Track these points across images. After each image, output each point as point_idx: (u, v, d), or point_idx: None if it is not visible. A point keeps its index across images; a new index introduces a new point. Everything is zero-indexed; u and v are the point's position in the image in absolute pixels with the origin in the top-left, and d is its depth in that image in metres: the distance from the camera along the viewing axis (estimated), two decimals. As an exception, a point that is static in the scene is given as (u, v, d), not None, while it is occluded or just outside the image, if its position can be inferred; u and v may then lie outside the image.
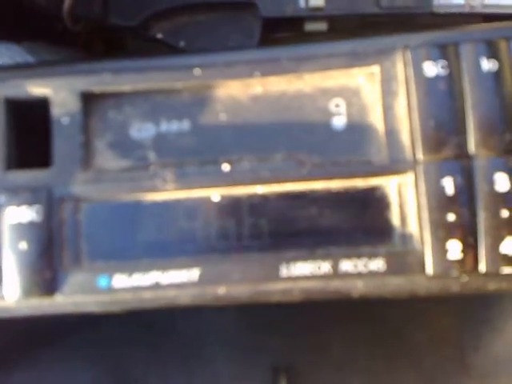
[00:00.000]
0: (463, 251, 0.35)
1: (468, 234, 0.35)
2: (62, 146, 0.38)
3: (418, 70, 0.36)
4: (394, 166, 0.37)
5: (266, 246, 0.37)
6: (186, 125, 0.38)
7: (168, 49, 0.49)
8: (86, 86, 0.38)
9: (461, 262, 0.35)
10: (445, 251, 0.35)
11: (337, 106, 0.38)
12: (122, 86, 0.38)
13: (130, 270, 0.37)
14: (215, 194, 0.38)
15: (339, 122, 0.38)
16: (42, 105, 0.38)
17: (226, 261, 0.37)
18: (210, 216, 0.38)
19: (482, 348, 0.56)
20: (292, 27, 0.49)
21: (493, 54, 0.36)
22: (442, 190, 0.36)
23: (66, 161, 0.38)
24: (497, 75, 0.36)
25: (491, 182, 0.35)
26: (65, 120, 0.38)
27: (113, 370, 0.59)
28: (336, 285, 0.37)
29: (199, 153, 0.38)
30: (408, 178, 0.36)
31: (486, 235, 0.35)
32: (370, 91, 0.38)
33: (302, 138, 0.38)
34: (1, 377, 0.55)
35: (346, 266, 0.36)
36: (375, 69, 0.37)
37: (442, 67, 0.36)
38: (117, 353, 0.59)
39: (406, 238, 0.36)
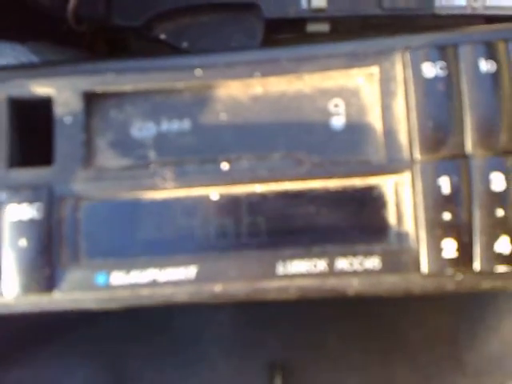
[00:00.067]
0: (458, 250, 0.35)
1: (463, 233, 0.35)
2: (63, 144, 0.38)
3: (417, 71, 0.37)
4: (392, 166, 0.37)
5: (263, 244, 0.38)
6: (186, 124, 0.39)
7: (171, 49, 0.50)
8: (89, 85, 0.39)
9: (456, 261, 0.36)
10: (440, 250, 0.36)
11: (336, 106, 0.38)
12: (124, 86, 0.39)
13: (128, 268, 0.38)
14: (214, 193, 0.38)
15: (338, 122, 0.38)
16: (45, 104, 0.39)
17: (223, 258, 0.38)
18: (208, 214, 0.38)
19: (477, 346, 0.57)
20: (294, 28, 0.50)
21: (491, 55, 0.36)
22: (438, 189, 0.36)
23: (67, 159, 0.38)
24: (495, 76, 0.36)
25: (487, 182, 0.35)
26: (67, 119, 0.38)
27: (110, 366, 0.59)
28: (332, 283, 0.37)
29: (199, 152, 0.38)
30: (405, 178, 0.37)
31: (481, 234, 0.35)
32: (368, 92, 0.38)
33: (301, 137, 0.38)
34: (-1, 374, 0.56)
35: (342, 264, 0.37)
36: (374, 69, 0.38)
37: (441, 68, 0.36)
38: (114, 349, 0.60)
39: (401, 236, 0.37)
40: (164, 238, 0.38)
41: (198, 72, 0.38)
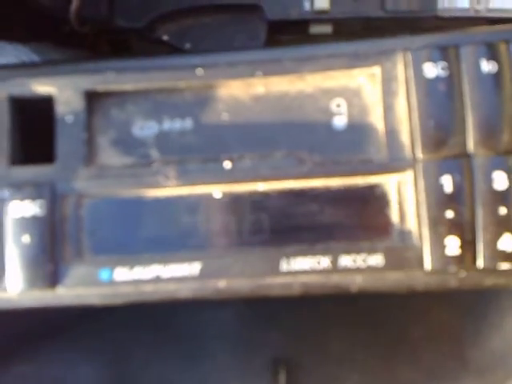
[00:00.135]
0: (461, 247, 0.36)
1: (466, 231, 0.36)
2: (65, 143, 0.38)
3: (419, 71, 0.37)
4: (394, 165, 0.37)
5: (266, 241, 0.38)
6: (188, 123, 0.39)
7: (173, 51, 0.50)
8: (90, 84, 0.39)
9: (459, 258, 0.36)
10: (443, 247, 0.36)
11: (338, 106, 0.38)
12: (125, 85, 0.39)
13: (132, 264, 0.38)
14: (217, 191, 0.38)
15: (340, 121, 0.38)
16: (47, 103, 0.39)
17: (227, 255, 0.38)
18: (211, 212, 0.38)
19: (480, 343, 0.57)
20: (297, 30, 0.50)
21: (493, 56, 0.36)
22: (440, 187, 0.36)
23: (69, 157, 0.38)
24: (496, 77, 0.36)
25: (490, 181, 0.36)
26: (69, 118, 0.38)
27: (113, 362, 0.59)
28: (335, 279, 0.37)
29: (201, 151, 0.39)
30: (407, 177, 0.37)
31: (484, 232, 0.36)
32: (370, 92, 0.38)
33: (303, 137, 0.38)
34: (0, 369, 0.56)
35: (346, 261, 0.37)
36: (376, 70, 0.38)
37: (442, 68, 0.37)
38: (117, 346, 0.60)
39: (404, 234, 0.37)
40: (167, 235, 0.38)
41: (200, 71, 0.38)
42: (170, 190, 0.38)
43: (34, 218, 0.38)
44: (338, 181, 0.38)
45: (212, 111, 0.39)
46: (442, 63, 0.36)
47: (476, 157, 0.36)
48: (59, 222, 0.38)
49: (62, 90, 0.39)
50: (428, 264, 0.36)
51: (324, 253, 0.37)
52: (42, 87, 0.39)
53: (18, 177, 0.38)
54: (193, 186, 0.38)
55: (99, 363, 0.59)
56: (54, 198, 0.38)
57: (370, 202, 0.37)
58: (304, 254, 0.37)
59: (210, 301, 0.39)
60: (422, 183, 0.36)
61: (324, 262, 0.37)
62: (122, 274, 0.38)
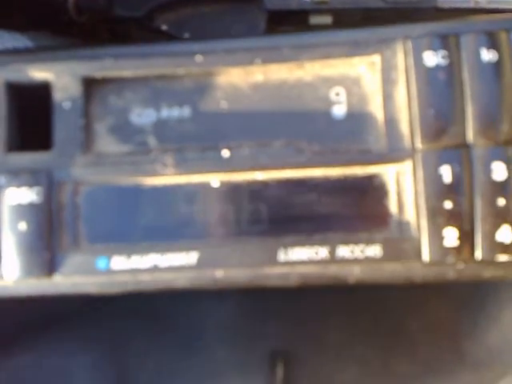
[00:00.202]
0: (460, 238, 0.35)
1: (465, 222, 0.35)
2: (62, 129, 0.38)
3: (419, 60, 0.37)
4: (393, 155, 0.37)
5: (264, 231, 0.37)
6: (186, 111, 0.39)
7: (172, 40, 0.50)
8: (88, 71, 0.39)
9: (457, 249, 0.36)
10: (441, 238, 0.36)
11: (337, 94, 0.38)
12: (124, 72, 0.39)
13: (129, 252, 0.37)
14: (215, 180, 0.38)
15: (339, 110, 0.38)
16: (44, 89, 0.38)
17: (225, 245, 0.37)
18: (209, 201, 0.38)
19: (478, 337, 0.57)
20: (297, 20, 0.49)
21: (493, 45, 0.36)
22: (439, 178, 0.36)
23: (66, 144, 0.38)
24: (496, 66, 0.36)
25: (489, 171, 0.35)
26: (66, 104, 0.38)
27: (112, 353, 0.59)
28: (333, 270, 0.37)
29: (200, 139, 0.38)
30: (406, 167, 0.37)
31: (483, 223, 0.35)
32: (370, 80, 0.38)
33: (301, 126, 0.38)
34: (0, 358, 0.56)
35: (343, 251, 0.37)
36: (376, 58, 0.37)
37: (443, 57, 0.36)
38: (116, 337, 0.60)
39: (402, 224, 0.37)
40: (165, 223, 0.38)
41: (199, 58, 0.38)
42: (168, 179, 0.38)
43: (31, 205, 0.37)
44: (337, 170, 0.37)
45: (210, 99, 0.39)
46: (443, 52, 0.36)
47: (475, 147, 0.36)
48: (56, 210, 0.38)
49: (59, 76, 0.38)
50: (426, 255, 0.36)
51: (322, 243, 0.37)
52: (39, 73, 0.39)
53: (15, 163, 0.38)
54: (191, 174, 0.38)
55: (98, 352, 0.59)
56: (50, 185, 0.38)
57: (369, 193, 0.37)
58: (302, 244, 0.37)
59: (207, 291, 0.38)
60: (420, 173, 0.36)
61: (322, 252, 0.37)
62: (119, 262, 0.37)
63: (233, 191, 0.38)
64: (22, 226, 0.37)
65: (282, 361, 0.57)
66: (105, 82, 0.39)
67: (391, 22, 0.39)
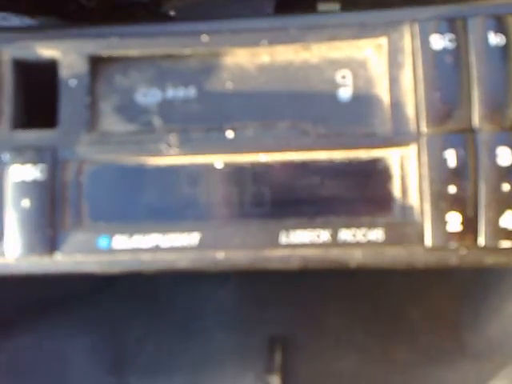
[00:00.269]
0: (463, 223, 0.35)
1: (468, 207, 0.35)
2: (68, 107, 0.38)
3: (425, 43, 0.36)
4: (398, 138, 0.37)
5: (266, 213, 0.37)
6: (192, 91, 0.39)
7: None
8: (94, 49, 0.39)
9: (460, 235, 0.35)
10: (444, 223, 0.35)
11: (343, 77, 0.38)
12: (130, 51, 0.39)
13: (131, 232, 0.37)
14: (218, 161, 0.38)
15: (345, 93, 0.38)
16: (50, 67, 0.38)
17: (227, 226, 0.37)
18: (212, 182, 0.38)
19: (478, 327, 0.56)
20: (305, 7, 0.49)
21: (501, 28, 0.36)
22: (444, 162, 0.35)
23: (71, 122, 0.38)
24: (504, 50, 0.36)
25: (494, 156, 0.35)
26: (72, 82, 0.38)
27: (111, 335, 0.59)
28: (335, 253, 0.37)
29: (204, 119, 0.38)
30: (411, 151, 0.36)
31: (487, 208, 0.35)
32: (376, 63, 0.38)
33: (307, 108, 0.38)
34: (1, 340, 0.56)
35: (345, 235, 0.36)
36: (383, 41, 0.37)
37: (450, 40, 0.36)
38: (116, 320, 0.60)
39: (406, 209, 0.36)
40: (168, 204, 0.38)
41: (205, 38, 0.38)
42: (172, 159, 0.38)
43: (35, 183, 0.37)
44: (341, 154, 0.37)
45: (216, 80, 0.39)
46: (450, 35, 0.36)
47: (481, 131, 0.35)
48: (59, 188, 0.38)
49: (65, 54, 0.38)
50: (428, 240, 0.36)
51: (324, 226, 0.37)
52: (46, 51, 0.39)
53: (20, 141, 0.38)
54: (194, 155, 0.38)
55: (97, 335, 0.59)
56: (55, 162, 0.38)
57: (372, 176, 0.37)
58: (304, 227, 0.37)
59: (207, 273, 0.38)
60: (425, 157, 0.36)
61: (324, 235, 0.37)
62: (120, 241, 0.37)
63: (236, 173, 0.38)
64: (25, 203, 0.37)
65: (281, 346, 0.57)
66: (111, 60, 0.39)
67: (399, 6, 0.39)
